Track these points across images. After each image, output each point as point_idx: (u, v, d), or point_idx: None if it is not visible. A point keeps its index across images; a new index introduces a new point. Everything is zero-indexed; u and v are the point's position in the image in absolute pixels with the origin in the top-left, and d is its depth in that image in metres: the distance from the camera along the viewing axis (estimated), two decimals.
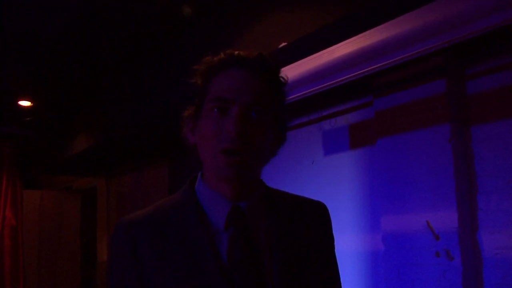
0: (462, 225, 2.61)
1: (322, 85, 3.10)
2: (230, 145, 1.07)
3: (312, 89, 3.16)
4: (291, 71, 3.17)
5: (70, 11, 3.76)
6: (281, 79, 1.19)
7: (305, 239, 1.21)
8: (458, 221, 2.61)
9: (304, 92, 3.21)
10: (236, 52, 1.15)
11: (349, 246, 3.33)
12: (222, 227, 1.13)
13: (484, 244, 2.61)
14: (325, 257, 1.25)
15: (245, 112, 1.09)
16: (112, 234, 1.16)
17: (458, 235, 2.60)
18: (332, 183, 3.54)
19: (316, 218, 1.28)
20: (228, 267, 1.09)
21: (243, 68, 1.13)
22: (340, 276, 1.28)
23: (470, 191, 2.68)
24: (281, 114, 1.20)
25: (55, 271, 8.37)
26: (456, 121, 2.72)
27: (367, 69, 2.82)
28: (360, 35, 2.77)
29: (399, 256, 2.86)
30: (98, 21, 3.94)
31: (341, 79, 2.98)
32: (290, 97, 3.22)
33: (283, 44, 2.90)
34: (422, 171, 2.80)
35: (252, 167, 1.12)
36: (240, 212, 1.13)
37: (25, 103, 5.82)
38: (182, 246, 1.11)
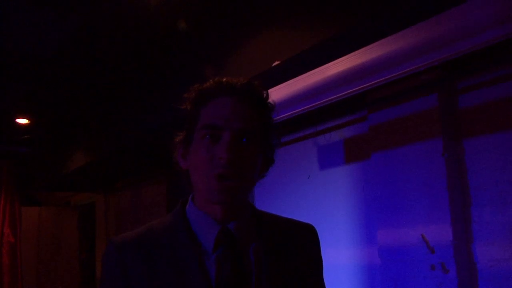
0: (456, 237, 2.64)
1: (316, 103, 3.13)
2: (223, 171, 1.11)
3: (307, 107, 3.20)
4: (285, 89, 3.21)
5: (66, 30, 3.80)
6: (269, 104, 1.23)
7: (293, 261, 1.24)
8: (452, 233, 2.63)
9: (298, 109, 3.25)
10: (225, 79, 1.19)
11: (346, 260, 3.35)
12: (211, 248, 1.16)
13: (478, 256, 2.63)
14: (313, 280, 1.27)
15: (236, 138, 1.13)
16: (103, 254, 1.19)
17: (453, 248, 2.62)
18: (328, 197, 3.57)
19: (304, 240, 1.30)
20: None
21: (232, 95, 1.17)
22: None
23: (463, 203, 2.71)
24: (270, 138, 1.24)
25: (54, 287, 8.35)
26: (449, 134, 2.76)
27: (359, 86, 2.86)
28: (352, 53, 2.82)
29: (395, 269, 2.89)
30: (95, 40, 3.98)
31: (334, 96, 3.02)
32: (285, 114, 3.26)
33: (277, 62, 2.94)
34: (416, 184, 2.83)
35: (243, 190, 1.16)
36: (229, 234, 1.16)
37: (22, 121, 5.83)
38: (172, 267, 1.14)
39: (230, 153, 1.11)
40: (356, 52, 2.81)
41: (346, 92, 2.95)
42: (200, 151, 1.15)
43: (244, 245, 1.18)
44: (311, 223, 1.34)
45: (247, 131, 1.15)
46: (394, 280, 2.89)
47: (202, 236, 1.18)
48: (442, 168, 2.72)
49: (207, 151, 1.14)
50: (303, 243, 1.29)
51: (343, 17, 2.64)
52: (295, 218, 1.35)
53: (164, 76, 4.35)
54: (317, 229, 1.34)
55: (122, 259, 1.15)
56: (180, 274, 1.13)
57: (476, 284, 2.62)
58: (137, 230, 1.22)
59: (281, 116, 3.35)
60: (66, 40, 3.96)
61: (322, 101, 3.10)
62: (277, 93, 3.20)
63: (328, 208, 3.54)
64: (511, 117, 2.57)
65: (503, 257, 2.53)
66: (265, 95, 1.22)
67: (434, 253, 2.69)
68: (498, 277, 2.54)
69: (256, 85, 1.20)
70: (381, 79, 2.76)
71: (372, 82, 2.81)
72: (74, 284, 8.45)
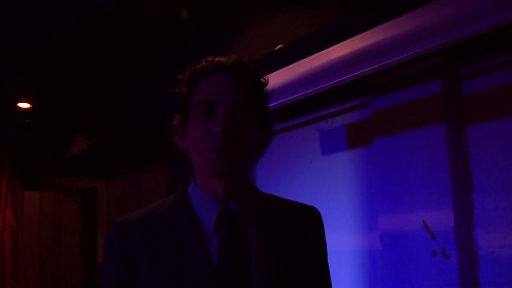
0: (458, 224, 2.63)
1: (319, 87, 3.11)
2: (219, 144, 1.11)
3: (309, 91, 3.17)
4: (287, 73, 3.19)
5: (69, 16, 3.78)
6: (262, 80, 1.23)
7: (295, 243, 1.24)
8: (454, 220, 2.63)
9: (301, 93, 3.23)
10: (217, 59, 1.20)
11: (347, 245, 3.35)
12: (212, 228, 1.16)
13: (480, 242, 2.63)
14: (315, 262, 1.27)
15: (230, 113, 1.14)
16: (106, 235, 1.20)
17: (454, 234, 2.62)
18: (330, 183, 3.56)
19: (308, 223, 1.30)
20: (218, 269, 1.12)
21: (224, 72, 1.18)
22: (331, 282, 1.30)
23: (466, 190, 2.70)
24: (265, 114, 1.24)
25: (56, 272, 8.39)
26: (452, 121, 2.74)
27: (362, 70, 2.84)
28: (355, 37, 2.79)
29: (397, 255, 2.89)
30: (98, 26, 3.96)
31: (337, 80, 2.99)
32: (287, 99, 3.24)
33: (279, 46, 2.92)
34: (419, 170, 2.82)
35: (241, 164, 1.16)
36: (230, 214, 1.17)
37: (24, 105, 5.83)
38: (173, 248, 1.14)
39: (226, 126, 1.11)
40: (360, 35, 2.78)
41: (349, 75, 2.93)
42: (196, 128, 1.16)
43: (245, 226, 1.18)
44: None
45: (241, 105, 1.15)
46: (395, 265, 2.89)
47: (204, 216, 1.18)
48: (445, 154, 2.70)
49: (203, 127, 1.14)
50: (306, 226, 1.29)
51: (345, 0, 2.62)
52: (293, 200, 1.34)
53: (167, 62, 4.33)
54: None
55: (124, 239, 1.15)
56: (181, 255, 1.13)
57: (477, 271, 2.62)
58: (139, 211, 1.23)
59: (284, 100, 3.33)
60: (69, 26, 3.94)
61: (324, 85, 3.08)
62: (280, 77, 3.18)
63: (330, 193, 3.53)
64: None
65: (505, 244, 2.53)
66: (257, 70, 1.22)
67: (436, 239, 2.68)
68: (499, 263, 2.54)
69: (248, 60, 1.21)
70: (384, 63, 2.74)
71: (375, 66, 2.78)
72: (75, 268, 8.49)
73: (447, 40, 2.47)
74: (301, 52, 3.04)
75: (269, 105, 1.29)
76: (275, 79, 3.09)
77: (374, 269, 3.17)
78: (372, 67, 2.80)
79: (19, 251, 7.10)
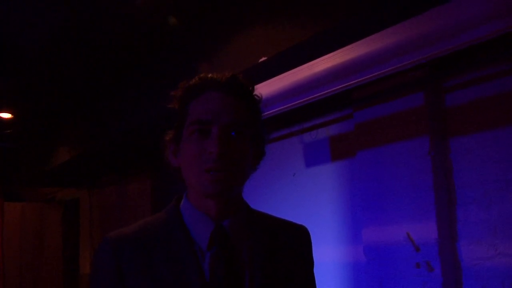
0: (441, 236, 2.65)
1: (303, 100, 3.13)
2: (213, 165, 1.10)
3: (293, 103, 3.19)
4: (271, 86, 3.19)
5: (51, 24, 3.75)
6: (256, 96, 1.23)
7: (286, 261, 1.24)
8: (437, 232, 2.64)
9: (284, 106, 3.24)
10: (210, 75, 1.19)
11: (331, 258, 3.34)
12: (206, 246, 1.15)
13: (463, 254, 2.64)
14: (304, 280, 1.28)
15: (225, 132, 1.13)
16: (97, 250, 1.18)
17: (438, 247, 2.63)
18: (314, 195, 3.56)
19: (297, 241, 1.30)
20: (211, 286, 1.11)
21: (218, 90, 1.17)
22: None
23: (449, 202, 2.72)
24: (259, 130, 1.23)
25: (37, 283, 8.29)
26: (435, 133, 2.76)
27: (346, 83, 2.86)
28: (339, 50, 2.81)
29: (381, 267, 2.89)
30: (81, 35, 3.93)
31: (321, 93, 3.01)
32: (271, 111, 3.24)
33: (263, 58, 2.92)
34: (402, 183, 2.83)
35: (235, 183, 1.16)
36: (223, 232, 1.16)
37: (5, 115, 5.77)
38: (167, 264, 1.13)
39: (220, 147, 1.10)
40: (343, 49, 2.80)
41: (332, 89, 2.94)
42: (190, 147, 1.15)
43: (238, 244, 1.18)
44: (296, 221, 1.33)
45: (236, 124, 1.14)
46: (379, 278, 2.89)
47: (197, 233, 1.18)
48: (428, 166, 2.72)
49: (196, 146, 1.13)
50: (296, 244, 1.30)
51: (329, 13, 2.63)
52: (282, 217, 1.35)
53: (150, 72, 4.32)
54: None
55: (118, 255, 1.14)
56: (175, 271, 1.12)
57: (460, 282, 2.63)
58: (131, 227, 1.21)
59: (267, 113, 3.33)
60: (51, 34, 3.91)
61: (308, 98, 3.09)
62: (263, 90, 3.15)
63: (313, 206, 3.53)
64: (497, 116, 2.57)
65: (487, 255, 2.54)
66: (251, 87, 1.21)
67: (419, 251, 2.69)
68: (482, 275, 2.55)
69: (242, 78, 1.20)
70: (367, 77, 2.76)
71: (359, 80, 2.80)
72: (57, 280, 8.39)
73: (430, 54, 2.49)
74: (285, 64, 3.05)
75: None
76: (259, 91, 3.09)
77: (358, 281, 3.17)
78: (356, 81, 2.82)
79: None
